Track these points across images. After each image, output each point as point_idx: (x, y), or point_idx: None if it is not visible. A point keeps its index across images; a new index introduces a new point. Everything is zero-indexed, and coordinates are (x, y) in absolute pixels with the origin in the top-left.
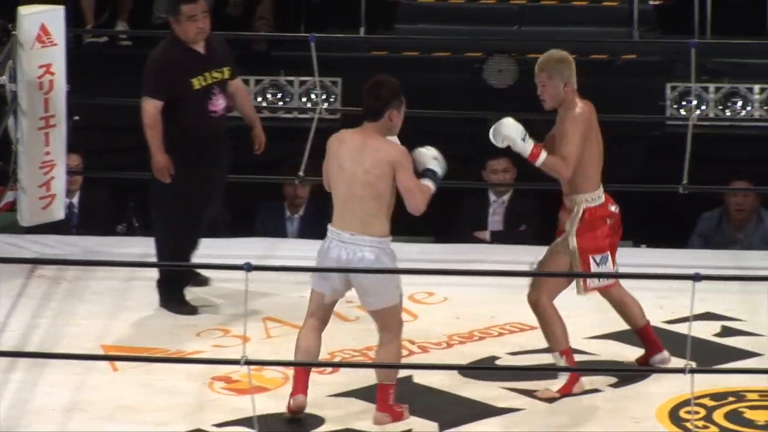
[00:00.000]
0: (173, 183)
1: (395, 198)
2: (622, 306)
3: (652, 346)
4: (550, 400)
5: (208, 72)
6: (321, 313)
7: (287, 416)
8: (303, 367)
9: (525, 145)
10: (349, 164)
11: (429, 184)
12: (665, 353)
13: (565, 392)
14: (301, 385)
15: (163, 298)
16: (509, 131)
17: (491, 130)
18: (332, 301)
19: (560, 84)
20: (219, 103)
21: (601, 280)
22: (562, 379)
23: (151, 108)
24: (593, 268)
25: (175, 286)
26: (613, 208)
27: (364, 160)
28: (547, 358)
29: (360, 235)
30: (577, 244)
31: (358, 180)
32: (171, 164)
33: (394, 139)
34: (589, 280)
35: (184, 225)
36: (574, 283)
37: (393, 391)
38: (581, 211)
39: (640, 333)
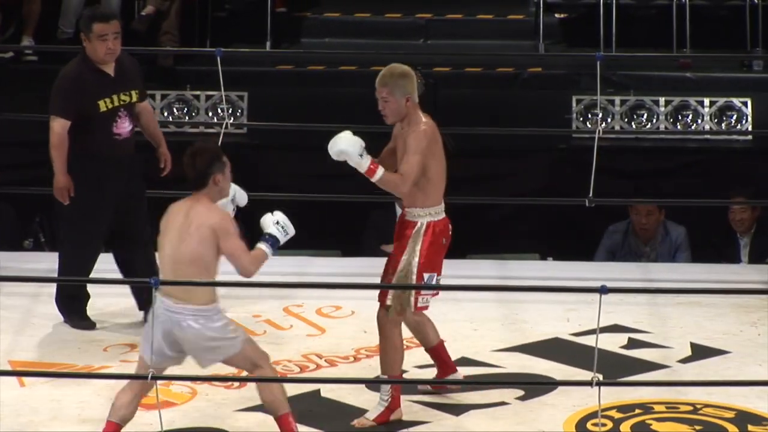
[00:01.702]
0: (74, 202)
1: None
2: (419, 326)
3: (444, 366)
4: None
5: (116, 94)
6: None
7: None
8: (115, 423)
9: (361, 161)
10: (173, 229)
11: (263, 248)
12: (459, 374)
13: (381, 421)
14: None
15: (63, 311)
16: (346, 146)
17: (330, 143)
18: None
19: (402, 99)
20: (124, 126)
21: (426, 300)
22: (379, 407)
23: (58, 127)
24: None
25: (75, 301)
26: (449, 227)
27: (188, 224)
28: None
29: (183, 304)
30: (418, 259)
31: (179, 244)
32: (71, 185)
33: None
34: (420, 301)
35: (83, 243)
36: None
37: (292, 417)
38: (424, 226)
39: (433, 351)
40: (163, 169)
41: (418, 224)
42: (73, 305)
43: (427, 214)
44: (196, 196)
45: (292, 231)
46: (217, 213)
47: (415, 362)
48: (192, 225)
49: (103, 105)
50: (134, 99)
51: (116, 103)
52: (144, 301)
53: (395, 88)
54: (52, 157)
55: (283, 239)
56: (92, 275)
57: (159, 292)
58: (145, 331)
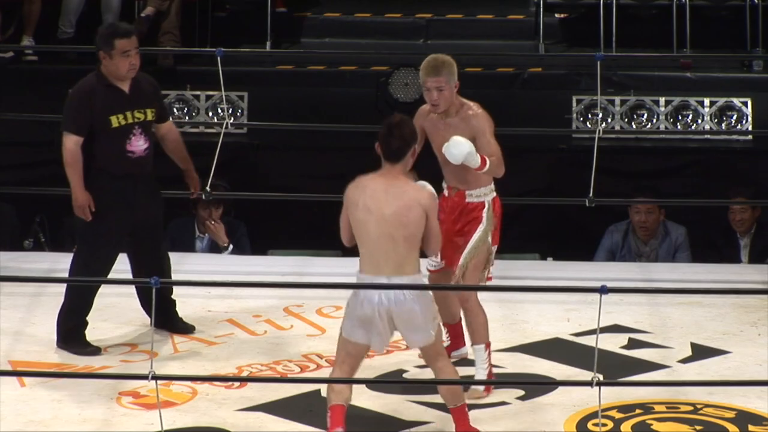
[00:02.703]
0: (85, 220)
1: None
2: (446, 298)
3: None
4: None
5: (129, 111)
6: (353, 362)
7: None
8: (340, 405)
9: (476, 159)
10: (376, 207)
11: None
12: (466, 348)
13: (490, 391)
14: (338, 420)
15: (61, 338)
16: (470, 146)
17: (454, 151)
18: (367, 351)
19: (453, 86)
20: (138, 144)
21: (490, 270)
22: (481, 375)
23: (70, 144)
24: (491, 259)
25: (73, 332)
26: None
27: (393, 201)
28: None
29: (397, 277)
30: (491, 235)
31: (389, 222)
32: (91, 201)
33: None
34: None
35: (91, 261)
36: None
37: (466, 409)
38: (490, 202)
39: (452, 328)
40: (192, 193)
41: (486, 203)
42: (72, 337)
43: (490, 192)
44: (388, 171)
45: None
46: (425, 191)
47: (416, 362)
48: (401, 202)
49: (115, 121)
50: (149, 117)
51: (129, 120)
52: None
53: (450, 76)
54: (68, 175)
55: None
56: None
57: (362, 272)
58: (352, 311)
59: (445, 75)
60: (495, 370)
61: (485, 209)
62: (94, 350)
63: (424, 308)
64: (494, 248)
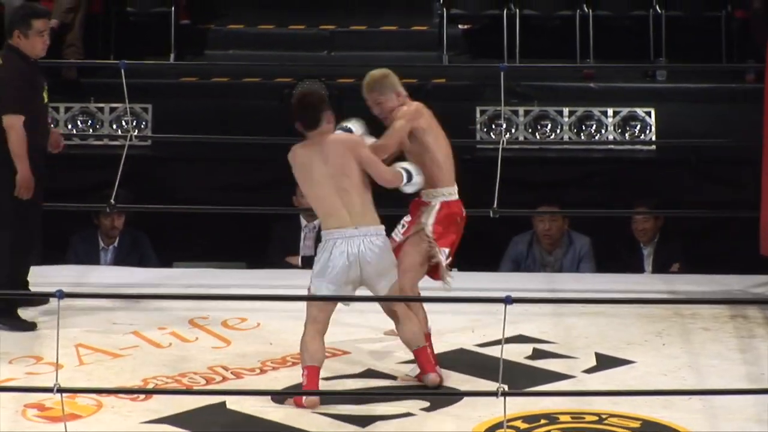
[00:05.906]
0: (17, 200)
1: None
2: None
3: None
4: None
5: (45, 86)
6: (324, 317)
7: None
8: (315, 367)
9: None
10: (317, 167)
11: (399, 170)
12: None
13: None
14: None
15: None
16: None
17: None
18: (334, 308)
19: (392, 96)
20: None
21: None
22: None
23: (19, 123)
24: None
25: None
26: (463, 209)
27: (329, 158)
28: (359, 383)
29: (365, 226)
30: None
31: (335, 176)
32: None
33: None
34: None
35: (26, 243)
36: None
37: (430, 350)
38: (438, 205)
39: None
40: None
41: (432, 203)
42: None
43: (441, 195)
44: (314, 136)
45: (419, 181)
46: (344, 135)
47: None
48: (334, 155)
49: (46, 96)
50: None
51: (46, 95)
52: None
53: (383, 88)
54: (21, 155)
55: (415, 178)
56: None
57: (328, 229)
58: (321, 269)
59: (378, 90)
60: (400, 382)
61: (427, 208)
62: (30, 325)
63: (389, 254)
64: (445, 250)
